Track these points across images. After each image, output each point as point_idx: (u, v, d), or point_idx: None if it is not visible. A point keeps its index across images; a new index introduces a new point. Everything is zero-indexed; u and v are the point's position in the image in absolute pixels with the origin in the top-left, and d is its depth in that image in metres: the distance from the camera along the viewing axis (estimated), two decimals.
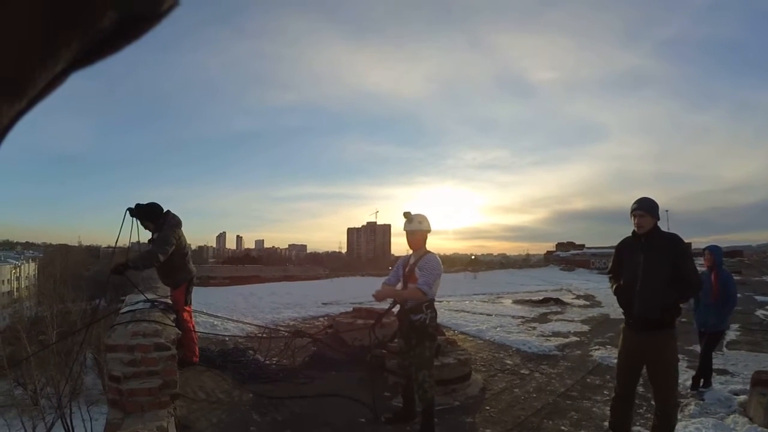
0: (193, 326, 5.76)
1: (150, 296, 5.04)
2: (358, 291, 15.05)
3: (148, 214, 5.25)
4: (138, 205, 5.24)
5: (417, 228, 4.17)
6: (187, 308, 5.61)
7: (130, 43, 0.35)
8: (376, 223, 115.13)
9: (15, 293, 40.48)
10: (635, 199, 3.70)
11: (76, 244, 75.34)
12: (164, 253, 5.03)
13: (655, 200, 3.66)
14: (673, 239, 3.63)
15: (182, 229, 5.34)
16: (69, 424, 7.00)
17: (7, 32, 0.29)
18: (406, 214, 4.21)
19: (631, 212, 3.67)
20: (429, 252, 4.20)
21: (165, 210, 5.34)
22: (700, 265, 5.49)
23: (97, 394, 8.21)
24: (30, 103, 0.34)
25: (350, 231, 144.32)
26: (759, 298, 14.27)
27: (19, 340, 10.54)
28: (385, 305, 5.02)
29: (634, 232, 3.70)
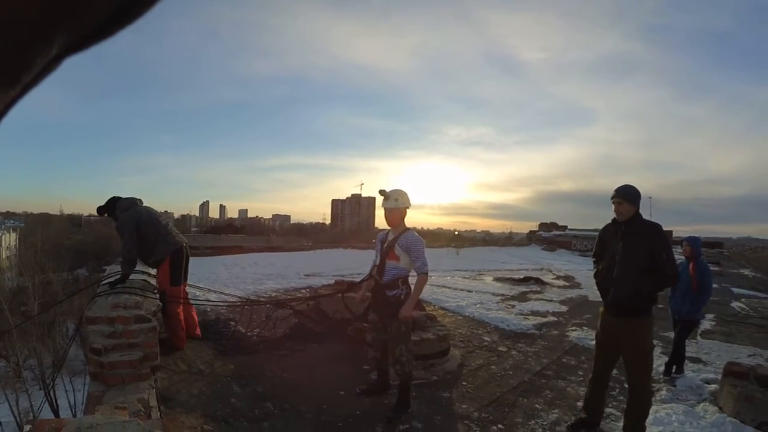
0: (182, 310, 5.46)
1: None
2: (341, 263, 15.09)
3: (106, 211, 5.30)
4: (99, 208, 5.33)
5: (393, 206, 4.15)
6: (176, 288, 5.34)
7: (125, 28, 0.34)
8: (360, 195, 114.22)
9: None
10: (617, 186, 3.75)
11: (58, 213, 74.27)
12: (129, 248, 5.01)
13: (637, 188, 3.70)
14: (653, 228, 3.64)
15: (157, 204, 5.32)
16: (53, 397, 7.01)
17: (1, 19, 0.29)
18: (382, 192, 4.19)
19: (611, 199, 3.73)
20: (407, 229, 4.19)
21: (115, 201, 5.30)
22: (679, 253, 5.63)
23: (80, 364, 8.20)
24: (24, 89, 0.34)
25: (334, 202, 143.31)
26: (736, 290, 14.37)
27: (0, 311, 10.45)
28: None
29: (614, 218, 3.77)
